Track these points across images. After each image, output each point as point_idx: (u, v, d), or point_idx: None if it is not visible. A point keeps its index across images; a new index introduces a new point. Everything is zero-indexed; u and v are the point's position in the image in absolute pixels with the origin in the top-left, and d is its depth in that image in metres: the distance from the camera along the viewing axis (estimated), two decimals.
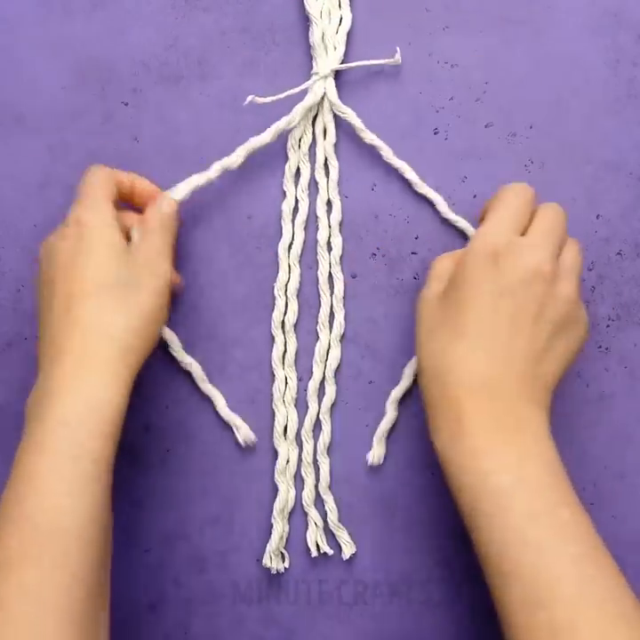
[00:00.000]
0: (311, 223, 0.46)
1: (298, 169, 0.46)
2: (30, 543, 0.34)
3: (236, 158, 0.44)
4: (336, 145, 0.46)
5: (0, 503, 0.35)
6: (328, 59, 0.44)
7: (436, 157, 0.46)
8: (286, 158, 0.46)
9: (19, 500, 0.35)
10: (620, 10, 0.46)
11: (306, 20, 0.45)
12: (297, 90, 0.44)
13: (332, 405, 0.46)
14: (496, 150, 0.46)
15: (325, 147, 0.45)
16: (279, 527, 0.44)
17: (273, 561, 0.45)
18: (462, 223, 0.45)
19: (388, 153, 0.45)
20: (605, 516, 0.46)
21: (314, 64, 0.45)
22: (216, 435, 0.46)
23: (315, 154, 0.46)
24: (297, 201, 0.46)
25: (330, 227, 0.45)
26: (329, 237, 0.46)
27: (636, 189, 0.46)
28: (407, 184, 0.46)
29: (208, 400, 0.46)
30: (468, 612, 0.46)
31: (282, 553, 0.45)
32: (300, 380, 0.46)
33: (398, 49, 0.45)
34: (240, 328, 0.46)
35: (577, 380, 0.46)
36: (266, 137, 0.44)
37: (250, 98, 0.44)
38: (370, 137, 0.45)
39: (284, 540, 0.45)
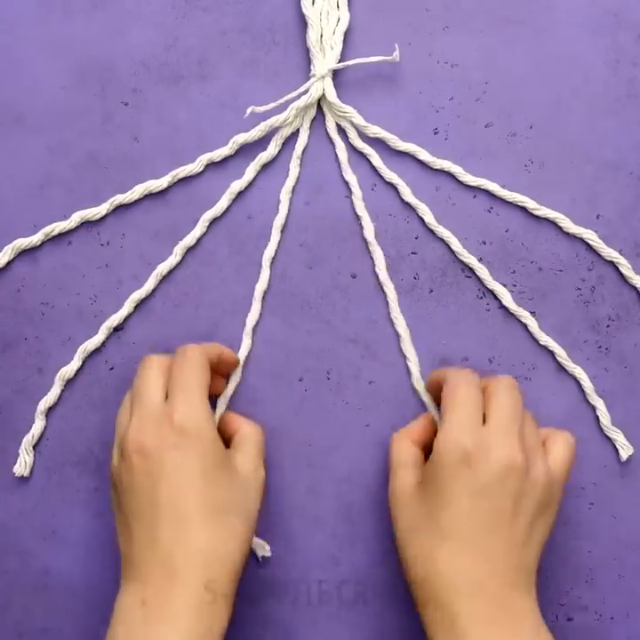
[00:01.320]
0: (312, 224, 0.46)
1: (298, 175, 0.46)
2: None
3: (227, 151, 0.45)
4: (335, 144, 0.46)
5: None
6: (325, 59, 0.44)
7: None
8: (285, 159, 0.46)
9: None
10: (620, 10, 0.46)
11: (305, 20, 0.45)
12: (295, 93, 0.44)
13: (332, 405, 0.46)
14: (496, 150, 0.46)
15: (340, 156, 0.46)
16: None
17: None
18: (444, 232, 0.45)
19: (395, 143, 0.45)
20: (605, 516, 0.46)
21: (311, 66, 0.45)
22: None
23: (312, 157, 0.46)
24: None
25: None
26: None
27: (636, 189, 0.46)
28: (406, 183, 0.46)
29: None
30: None
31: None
32: (300, 380, 0.46)
33: (397, 46, 0.45)
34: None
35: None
36: (257, 136, 0.45)
37: (250, 109, 0.44)
38: (373, 131, 0.45)
39: None
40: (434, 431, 0.43)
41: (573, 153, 0.46)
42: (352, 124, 0.45)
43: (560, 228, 0.46)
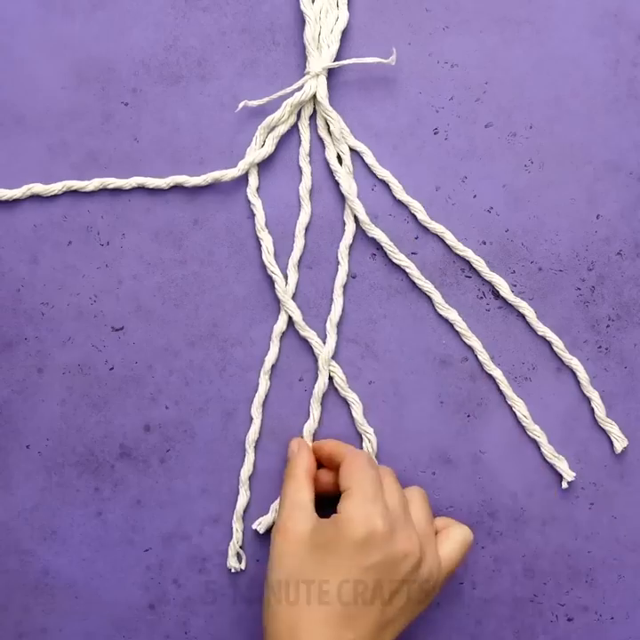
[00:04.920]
0: (312, 226, 0.46)
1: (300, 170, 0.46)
2: None
3: (238, 172, 0.45)
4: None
5: None
6: (321, 57, 0.45)
7: (436, 157, 0.46)
8: (286, 160, 0.46)
9: None
10: (620, 10, 0.46)
11: (305, 21, 0.45)
12: (289, 89, 0.45)
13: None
14: (496, 150, 0.46)
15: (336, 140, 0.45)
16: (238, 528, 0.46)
17: (231, 560, 0.45)
18: (439, 228, 0.45)
19: (371, 159, 0.45)
20: (605, 516, 0.46)
21: (307, 63, 0.45)
22: (216, 435, 0.46)
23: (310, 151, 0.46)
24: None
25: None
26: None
27: (636, 189, 0.46)
28: (406, 184, 0.46)
29: (209, 400, 0.46)
30: (467, 612, 0.46)
31: (238, 553, 0.45)
32: (300, 380, 0.46)
33: (394, 50, 0.45)
34: (240, 328, 0.46)
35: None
36: (260, 143, 0.45)
37: (242, 103, 0.44)
38: (353, 142, 0.45)
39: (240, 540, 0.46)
40: (331, 473, 0.44)
41: (573, 153, 0.46)
42: (327, 131, 0.45)
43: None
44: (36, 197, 0.46)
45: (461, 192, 0.46)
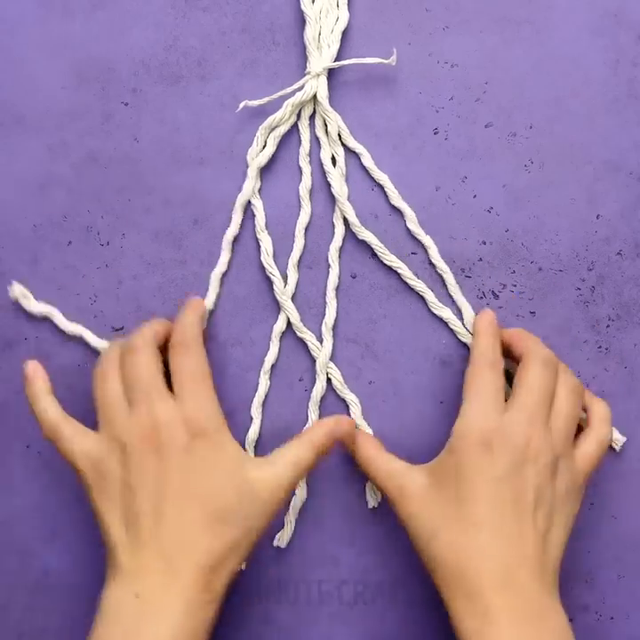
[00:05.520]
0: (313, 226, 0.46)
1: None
2: None
3: (251, 182, 0.45)
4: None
5: None
6: (321, 57, 0.44)
7: (436, 157, 0.46)
8: (286, 160, 0.46)
9: None
10: (620, 10, 0.46)
11: (305, 19, 0.45)
12: (289, 89, 0.44)
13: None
14: (496, 150, 0.46)
15: (331, 139, 0.45)
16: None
17: None
18: (426, 240, 0.45)
19: (369, 161, 0.45)
20: (605, 516, 0.46)
21: (307, 63, 0.45)
22: None
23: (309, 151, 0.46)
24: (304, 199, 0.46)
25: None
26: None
27: (636, 189, 0.46)
28: (406, 184, 0.46)
29: None
30: None
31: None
32: (300, 380, 0.46)
33: (395, 50, 0.45)
34: (240, 328, 0.46)
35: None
36: (261, 144, 0.45)
37: (243, 103, 0.44)
38: (352, 143, 0.45)
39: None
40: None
41: (573, 153, 0.46)
42: (325, 131, 0.46)
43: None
44: (35, 197, 0.46)
45: (461, 192, 0.46)
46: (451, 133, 0.46)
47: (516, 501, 0.38)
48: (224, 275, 0.46)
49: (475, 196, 0.46)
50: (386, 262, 0.45)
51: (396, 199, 0.45)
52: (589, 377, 0.46)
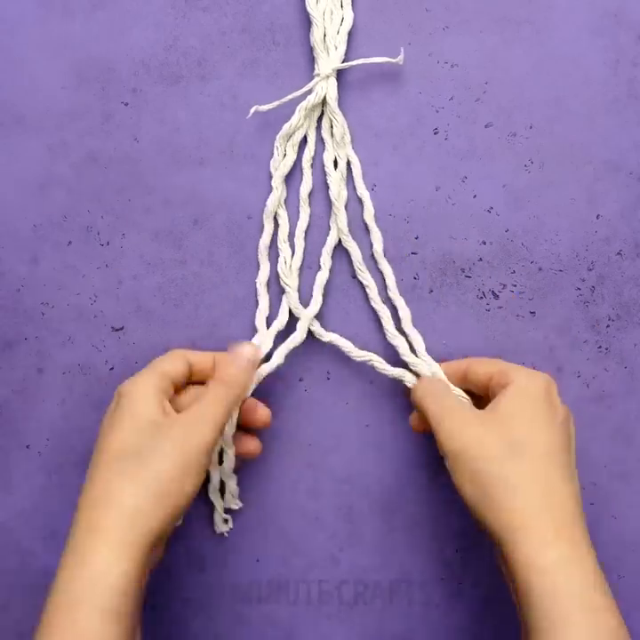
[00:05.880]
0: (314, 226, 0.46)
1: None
2: None
3: (277, 193, 0.45)
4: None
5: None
6: (329, 59, 0.44)
7: (436, 157, 0.46)
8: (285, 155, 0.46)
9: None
10: (620, 10, 0.46)
11: (306, 20, 0.45)
12: (299, 92, 0.44)
13: (333, 406, 0.46)
14: (496, 150, 0.46)
15: (337, 142, 0.45)
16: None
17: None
18: (386, 269, 0.46)
19: (357, 171, 0.45)
20: (605, 516, 0.46)
21: (315, 65, 0.45)
22: None
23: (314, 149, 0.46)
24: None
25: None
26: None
27: (636, 189, 0.46)
28: (406, 184, 0.46)
29: None
30: (468, 612, 0.46)
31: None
32: (300, 380, 0.46)
33: (402, 49, 0.45)
34: (240, 328, 0.46)
35: (577, 380, 0.46)
36: (282, 153, 0.45)
37: (253, 109, 0.44)
38: (348, 150, 0.45)
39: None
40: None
41: (573, 153, 0.46)
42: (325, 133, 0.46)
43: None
44: (35, 197, 0.46)
45: (461, 192, 0.46)
46: (451, 133, 0.46)
47: (563, 446, 0.40)
48: (224, 275, 0.46)
49: (475, 196, 0.46)
50: (359, 277, 0.45)
51: (369, 217, 0.45)
52: (589, 377, 0.46)
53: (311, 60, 0.45)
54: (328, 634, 0.46)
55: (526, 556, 0.37)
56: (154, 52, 0.46)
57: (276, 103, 0.44)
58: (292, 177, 0.46)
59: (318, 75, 0.44)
